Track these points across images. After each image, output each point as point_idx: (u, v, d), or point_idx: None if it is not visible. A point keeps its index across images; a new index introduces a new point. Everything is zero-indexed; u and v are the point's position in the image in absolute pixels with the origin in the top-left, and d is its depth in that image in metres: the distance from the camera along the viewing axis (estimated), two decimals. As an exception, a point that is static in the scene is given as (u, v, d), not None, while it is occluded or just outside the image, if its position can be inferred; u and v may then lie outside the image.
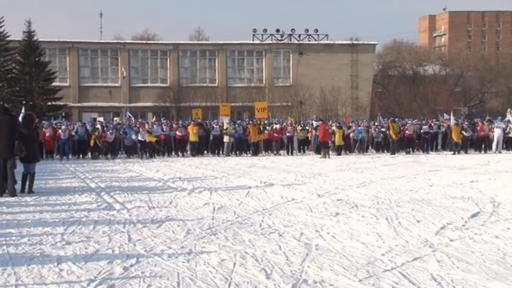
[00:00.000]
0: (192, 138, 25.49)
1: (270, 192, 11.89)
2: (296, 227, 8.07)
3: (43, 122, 27.89)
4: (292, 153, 26.10)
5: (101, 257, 6.37)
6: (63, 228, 8.04)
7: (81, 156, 24.94)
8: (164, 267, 5.97)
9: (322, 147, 24.08)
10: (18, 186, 11.92)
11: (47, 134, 23.65)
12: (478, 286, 5.29)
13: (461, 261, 6.09)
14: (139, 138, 23.87)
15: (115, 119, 46.77)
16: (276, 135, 26.59)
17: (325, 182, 13.98)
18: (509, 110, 32.32)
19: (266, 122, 29.34)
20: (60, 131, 24.26)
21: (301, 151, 27.19)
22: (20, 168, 12.13)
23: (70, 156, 24.25)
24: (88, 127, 26.20)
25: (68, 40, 55.64)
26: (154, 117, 36.83)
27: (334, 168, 17.92)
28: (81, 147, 24.99)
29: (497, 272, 5.73)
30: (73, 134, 24.80)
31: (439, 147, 27.95)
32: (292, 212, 9.34)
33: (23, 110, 21.21)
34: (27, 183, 12.08)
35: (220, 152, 25.99)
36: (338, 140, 25.33)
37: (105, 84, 55.98)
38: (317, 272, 5.75)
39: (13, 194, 11.41)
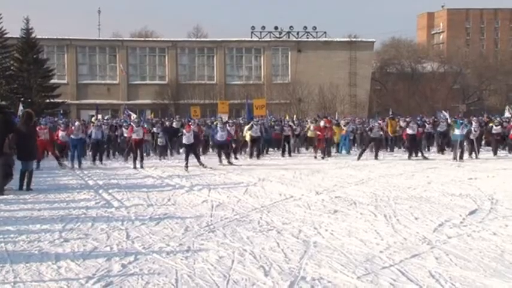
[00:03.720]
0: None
1: (268, 190, 11.89)
2: (294, 224, 8.08)
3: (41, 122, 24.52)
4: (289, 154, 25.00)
5: (99, 255, 6.38)
6: (61, 226, 8.04)
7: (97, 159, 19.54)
8: (162, 264, 5.97)
9: (327, 145, 23.88)
10: (16, 183, 11.92)
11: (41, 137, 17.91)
12: (476, 283, 5.30)
13: (460, 258, 6.10)
14: (185, 141, 18.34)
15: (106, 117, 46.05)
16: (319, 133, 22.35)
17: (323, 179, 13.98)
18: (507, 107, 32.29)
19: (274, 119, 28.49)
20: (73, 133, 18.76)
21: (296, 151, 26.71)
22: (18, 166, 12.12)
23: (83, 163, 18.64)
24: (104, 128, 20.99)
25: (66, 37, 55.49)
26: (152, 115, 36.76)
27: (333, 166, 17.91)
28: (96, 149, 19.67)
29: (495, 269, 5.74)
30: (88, 133, 19.86)
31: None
32: (291, 210, 9.34)
33: (21, 107, 21.02)
34: (25, 180, 12.07)
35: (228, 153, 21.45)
36: (336, 137, 25.30)
37: (103, 82, 55.86)
38: (315, 269, 5.76)
39: (1, 192, 11.30)
